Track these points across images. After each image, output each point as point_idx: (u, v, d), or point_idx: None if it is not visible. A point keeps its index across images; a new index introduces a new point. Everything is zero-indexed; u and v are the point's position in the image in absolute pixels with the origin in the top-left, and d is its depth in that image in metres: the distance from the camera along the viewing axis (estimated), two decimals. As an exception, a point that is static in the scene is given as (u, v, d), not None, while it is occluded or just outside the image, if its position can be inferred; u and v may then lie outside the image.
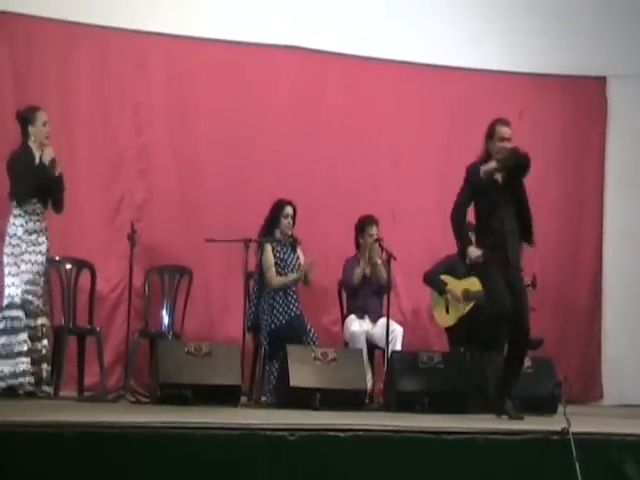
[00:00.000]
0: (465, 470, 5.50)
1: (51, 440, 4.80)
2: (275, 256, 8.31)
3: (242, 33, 9.25)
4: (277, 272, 8.27)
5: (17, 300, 7.38)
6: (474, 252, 7.01)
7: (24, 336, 7.35)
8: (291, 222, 8.36)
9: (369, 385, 8.08)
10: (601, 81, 10.32)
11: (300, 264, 8.31)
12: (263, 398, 7.97)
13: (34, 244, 7.47)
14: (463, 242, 7.18)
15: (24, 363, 7.30)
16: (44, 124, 7.56)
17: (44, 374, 7.45)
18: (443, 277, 8.77)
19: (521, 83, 10.08)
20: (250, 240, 8.12)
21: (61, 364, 7.86)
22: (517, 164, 6.96)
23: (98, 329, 8.23)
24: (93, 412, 6.08)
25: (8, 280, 7.45)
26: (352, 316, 8.66)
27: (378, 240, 8.55)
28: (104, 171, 8.87)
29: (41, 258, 7.49)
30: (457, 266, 8.60)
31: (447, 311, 8.73)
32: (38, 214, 7.51)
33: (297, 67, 9.52)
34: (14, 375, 7.29)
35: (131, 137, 8.97)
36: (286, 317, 8.16)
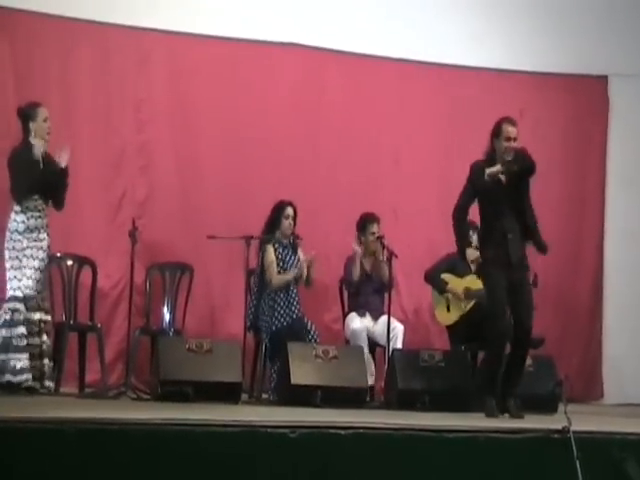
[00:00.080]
0: (466, 468, 5.50)
1: (52, 437, 4.80)
2: (277, 257, 8.32)
3: (243, 30, 9.24)
4: (278, 272, 8.27)
5: (19, 293, 7.38)
6: (472, 254, 7.04)
7: (22, 329, 7.34)
8: (292, 223, 8.37)
9: (371, 381, 8.08)
10: (603, 80, 10.32)
11: (300, 265, 8.30)
12: (264, 395, 7.96)
13: (35, 240, 7.47)
14: (462, 242, 7.19)
15: (22, 360, 7.30)
16: (45, 120, 7.55)
17: (46, 369, 7.44)
18: (444, 276, 8.77)
19: (523, 82, 10.07)
20: (251, 237, 8.12)
21: (62, 360, 7.86)
22: (522, 168, 6.95)
23: (99, 326, 8.23)
24: (94, 409, 6.07)
25: (10, 274, 7.44)
26: (353, 313, 8.66)
27: (379, 238, 8.54)
28: (105, 168, 8.87)
29: (42, 254, 7.49)
30: (458, 264, 8.61)
31: (448, 309, 8.73)
32: (39, 210, 7.50)
33: (298, 65, 9.51)
34: (13, 372, 7.29)
35: (132, 134, 8.97)
36: (287, 319, 8.16)
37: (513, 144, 7.01)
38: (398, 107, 9.79)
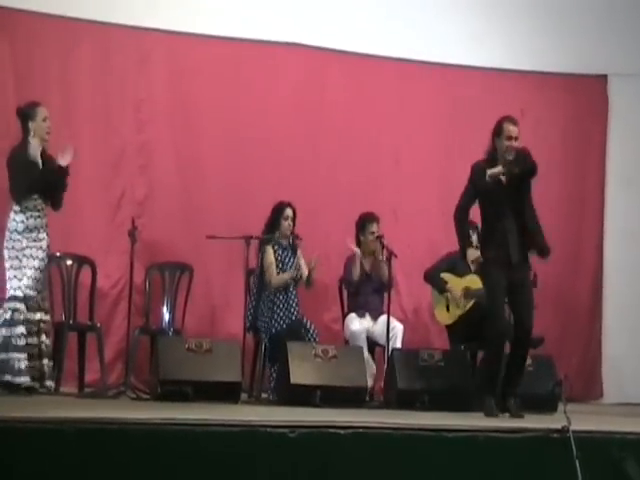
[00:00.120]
0: (465, 468, 5.50)
1: (51, 436, 4.80)
2: (276, 258, 8.32)
3: (244, 30, 9.24)
4: (277, 273, 8.28)
5: (19, 293, 7.38)
6: (473, 254, 7.03)
7: (22, 329, 7.34)
8: (291, 224, 8.37)
9: (371, 381, 8.08)
10: (602, 79, 10.32)
11: (299, 266, 8.31)
12: (263, 395, 7.97)
13: (34, 240, 7.46)
14: (464, 242, 7.20)
15: (21, 360, 7.29)
16: (44, 120, 7.54)
17: (46, 369, 7.44)
18: (444, 275, 8.77)
19: (523, 81, 10.07)
20: (251, 237, 8.12)
21: (61, 360, 7.86)
22: (523, 170, 6.95)
23: (99, 325, 8.23)
24: (93, 408, 6.08)
25: (10, 274, 7.44)
26: (352, 314, 8.66)
27: (379, 237, 8.54)
28: (105, 167, 8.87)
29: (42, 254, 7.48)
30: (458, 264, 8.61)
31: (448, 309, 8.73)
32: (39, 210, 7.50)
33: (299, 64, 9.51)
34: (12, 372, 7.29)
35: (132, 133, 8.97)
36: (287, 321, 8.16)
37: (514, 143, 7.01)
38: (398, 107, 9.79)
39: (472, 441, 5.55)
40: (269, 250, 8.33)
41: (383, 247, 8.42)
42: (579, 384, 9.70)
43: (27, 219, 7.45)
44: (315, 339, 8.13)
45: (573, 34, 10.08)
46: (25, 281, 7.39)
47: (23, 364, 7.29)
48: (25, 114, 7.55)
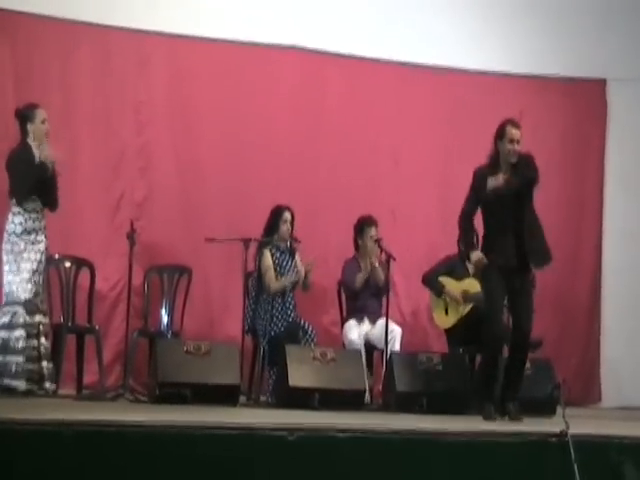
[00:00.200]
0: (464, 471, 5.50)
1: (49, 438, 4.80)
2: (274, 262, 8.33)
3: (243, 33, 9.24)
4: (275, 277, 8.28)
5: (17, 296, 7.38)
6: (476, 255, 7.01)
7: (20, 332, 7.34)
8: (290, 228, 8.38)
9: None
10: (601, 83, 10.33)
11: (298, 270, 8.31)
12: (262, 398, 7.97)
13: (33, 243, 7.47)
14: (467, 249, 7.17)
15: (18, 364, 7.30)
16: (43, 122, 7.54)
17: (45, 372, 7.44)
18: (442, 279, 8.77)
19: (521, 85, 10.08)
20: (250, 240, 8.12)
21: (60, 362, 7.85)
22: (523, 183, 6.94)
23: (97, 328, 8.23)
24: (92, 411, 6.07)
25: (8, 277, 7.44)
26: (351, 321, 8.63)
27: (377, 241, 8.54)
28: (104, 169, 8.87)
29: (40, 256, 7.48)
30: (457, 267, 8.63)
31: (446, 312, 8.73)
32: (37, 212, 7.50)
33: (298, 67, 9.52)
34: (10, 376, 7.29)
35: (132, 136, 8.97)
36: (284, 323, 8.18)
37: (516, 146, 7.01)
38: (397, 109, 9.80)
39: (471, 444, 5.55)
40: (267, 253, 8.33)
41: (382, 251, 8.42)
42: (577, 386, 9.70)
43: (26, 221, 7.45)
44: (313, 340, 8.13)
45: (572, 38, 10.09)
46: (24, 284, 7.39)
47: (21, 367, 7.30)
48: (24, 116, 7.55)
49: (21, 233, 7.43)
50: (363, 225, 8.76)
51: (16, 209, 7.47)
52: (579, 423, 5.93)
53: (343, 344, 8.59)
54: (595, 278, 10.26)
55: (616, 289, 10.17)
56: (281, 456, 5.17)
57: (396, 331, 8.47)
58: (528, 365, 7.55)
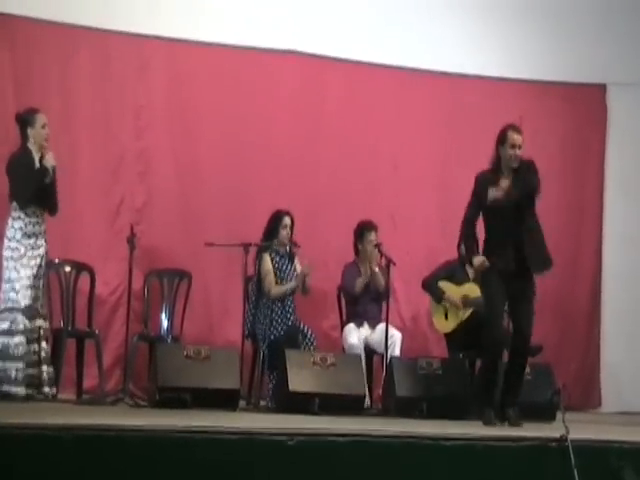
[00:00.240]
0: (463, 476, 5.50)
1: (49, 443, 4.80)
2: (274, 266, 8.33)
3: (243, 37, 9.25)
4: (275, 282, 8.28)
5: (17, 302, 7.37)
6: (478, 259, 7.01)
7: (20, 338, 7.34)
8: (289, 233, 8.38)
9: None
10: (601, 88, 10.34)
11: (297, 275, 8.31)
12: (262, 402, 7.96)
13: (33, 247, 7.46)
14: (469, 255, 7.16)
15: (18, 370, 7.29)
16: (43, 126, 7.54)
17: (45, 376, 7.44)
18: (442, 283, 8.76)
19: (521, 90, 10.08)
20: (250, 244, 8.11)
21: (60, 367, 7.84)
22: (522, 193, 6.94)
23: (97, 332, 8.22)
24: (91, 415, 6.07)
25: (8, 283, 7.43)
26: (351, 325, 8.63)
27: (377, 246, 8.54)
28: (104, 174, 8.87)
29: (40, 261, 7.48)
30: (457, 272, 8.62)
31: (446, 317, 8.73)
32: (37, 216, 7.50)
33: (297, 71, 9.52)
34: (9, 382, 7.28)
35: (131, 140, 8.97)
36: (284, 328, 8.17)
37: (518, 152, 7.01)
38: (396, 114, 9.80)
39: (471, 449, 5.55)
40: (266, 258, 8.33)
41: (382, 255, 8.42)
42: (577, 391, 9.69)
43: (26, 225, 7.45)
44: (313, 345, 8.13)
45: (572, 43, 10.09)
46: (24, 290, 7.38)
47: (21, 373, 7.29)
48: (24, 120, 7.55)
49: (21, 237, 7.43)
50: (363, 230, 8.76)
51: (16, 214, 7.46)
52: (579, 428, 5.93)
53: (343, 349, 8.59)
54: (595, 283, 10.26)
55: (616, 294, 10.17)
56: (281, 461, 5.17)
57: (396, 336, 8.47)
58: (528, 370, 7.55)
